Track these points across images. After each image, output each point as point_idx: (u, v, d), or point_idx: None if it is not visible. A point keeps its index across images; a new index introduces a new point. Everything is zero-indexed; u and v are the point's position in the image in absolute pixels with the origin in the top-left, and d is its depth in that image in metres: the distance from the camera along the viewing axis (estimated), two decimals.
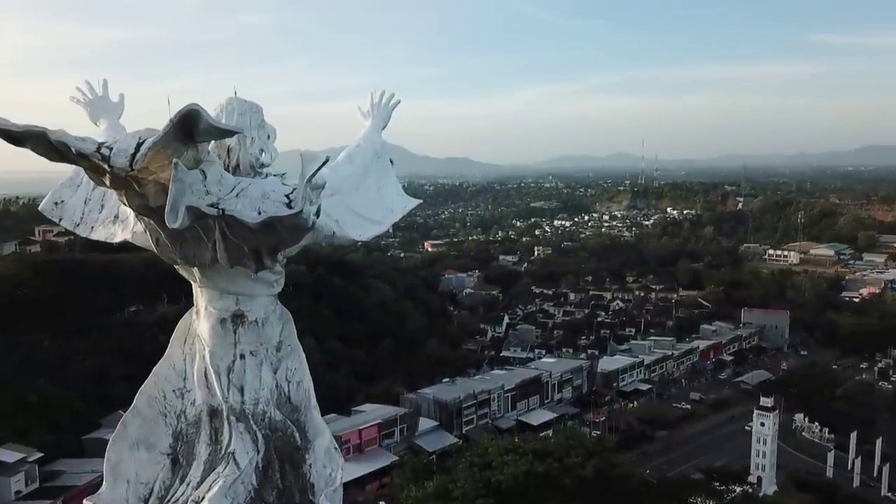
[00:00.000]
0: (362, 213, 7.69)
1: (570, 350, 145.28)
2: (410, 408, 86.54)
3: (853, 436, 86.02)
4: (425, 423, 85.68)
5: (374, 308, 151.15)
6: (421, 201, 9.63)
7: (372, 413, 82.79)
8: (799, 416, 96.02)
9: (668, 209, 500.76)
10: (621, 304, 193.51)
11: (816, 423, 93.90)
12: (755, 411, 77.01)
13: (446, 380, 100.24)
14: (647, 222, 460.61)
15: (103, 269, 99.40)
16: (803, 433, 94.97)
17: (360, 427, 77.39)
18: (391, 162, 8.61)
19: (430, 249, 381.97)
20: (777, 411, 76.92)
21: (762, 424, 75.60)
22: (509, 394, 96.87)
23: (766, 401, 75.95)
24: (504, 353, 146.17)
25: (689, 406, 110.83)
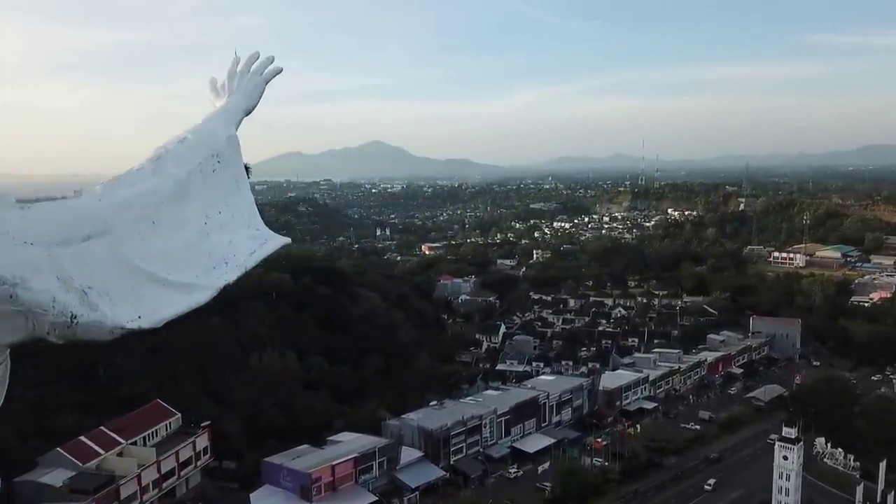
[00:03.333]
0: (155, 270, 4.09)
1: (570, 363, 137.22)
2: (391, 437, 78.12)
3: (882, 465, 77.72)
4: (409, 454, 77.30)
5: (363, 319, 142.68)
6: (289, 241, 5.10)
7: (348, 444, 74.42)
8: (820, 441, 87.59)
9: (670, 210, 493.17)
10: (623, 312, 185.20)
11: (840, 450, 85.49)
12: (777, 443, 68.75)
13: (433, 403, 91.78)
14: (647, 223, 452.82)
15: None
16: (825, 460, 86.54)
17: (334, 462, 68.97)
18: (247, 170, 5.25)
19: (427, 252, 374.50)
20: (801, 443, 68.65)
21: (785, 458, 67.36)
22: (502, 418, 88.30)
23: (789, 431, 67.59)
24: (500, 367, 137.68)
25: (698, 427, 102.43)
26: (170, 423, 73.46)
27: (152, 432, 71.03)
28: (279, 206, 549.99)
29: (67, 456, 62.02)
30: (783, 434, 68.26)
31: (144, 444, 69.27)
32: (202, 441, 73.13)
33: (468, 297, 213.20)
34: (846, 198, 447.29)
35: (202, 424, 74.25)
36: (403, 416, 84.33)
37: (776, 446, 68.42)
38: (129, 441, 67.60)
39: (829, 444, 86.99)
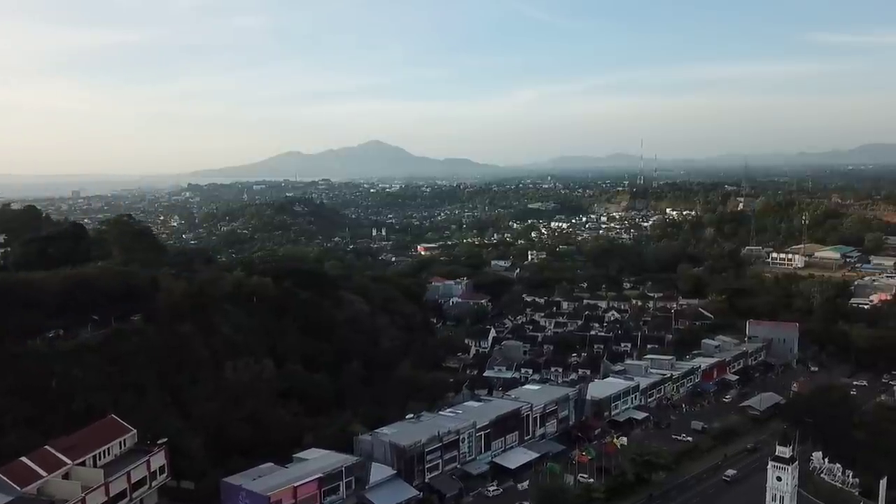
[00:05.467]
0: None
1: (560, 369, 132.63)
2: (361, 454, 73.57)
3: (882, 483, 73.03)
4: (381, 472, 72.67)
5: (346, 325, 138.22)
6: None
7: (314, 463, 69.81)
8: (817, 455, 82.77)
9: (668, 210, 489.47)
10: (617, 315, 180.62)
11: (838, 465, 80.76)
12: (770, 463, 64.20)
13: (410, 416, 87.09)
14: (645, 223, 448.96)
15: (9, 288, 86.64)
16: (823, 475, 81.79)
17: (297, 483, 64.36)
18: None
19: (422, 253, 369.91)
20: (796, 463, 64.15)
21: (778, 479, 62.92)
22: (482, 432, 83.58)
23: (783, 451, 62.97)
24: (487, 373, 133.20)
25: (690, 438, 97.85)
26: (124, 441, 68.75)
27: (104, 451, 66.32)
28: (275, 207, 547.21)
29: (4, 479, 57.45)
30: (777, 454, 63.76)
31: (94, 464, 64.66)
32: (158, 459, 68.46)
33: (460, 300, 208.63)
34: (846, 197, 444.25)
35: (159, 441, 69.60)
36: (376, 430, 79.59)
37: (769, 466, 63.87)
38: (77, 461, 62.97)
39: (826, 459, 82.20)
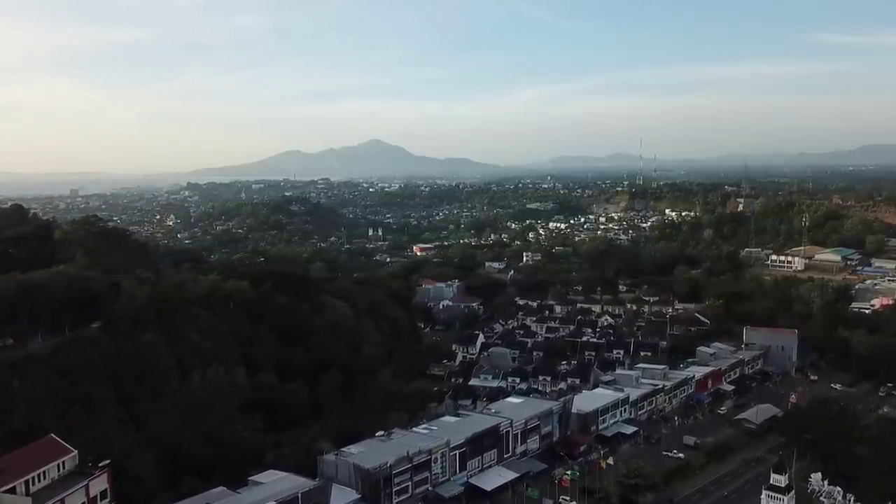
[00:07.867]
0: None
1: (548, 378, 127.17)
2: (322, 477, 68.06)
3: None
4: (344, 496, 67.27)
5: (326, 330, 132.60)
6: None
7: (269, 487, 64.31)
8: (816, 477, 77.30)
9: (667, 210, 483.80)
10: (610, 320, 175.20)
11: (839, 489, 75.30)
12: (764, 492, 58.87)
13: (380, 433, 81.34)
14: (644, 224, 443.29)
15: None
16: (822, 499, 76.36)
17: None
18: None
19: (418, 254, 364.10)
20: (792, 493, 58.78)
21: None
22: (457, 451, 78.00)
23: (779, 479, 57.65)
24: (473, 381, 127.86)
25: (681, 455, 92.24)
26: (63, 463, 63.31)
27: (38, 475, 60.88)
28: (271, 206, 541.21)
29: None
30: (772, 482, 58.37)
31: (27, 491, 59.15)
32: (99, 483, 62.97)
33: (450, 303, 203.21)
34: (846, 198, 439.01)
35: (101, 463, 64.09)
36: (342, 450, 73.94)
37: (763, 496, 58.50)
38: (6, 487, 57.52)
39: (826, 481, 76.67)
